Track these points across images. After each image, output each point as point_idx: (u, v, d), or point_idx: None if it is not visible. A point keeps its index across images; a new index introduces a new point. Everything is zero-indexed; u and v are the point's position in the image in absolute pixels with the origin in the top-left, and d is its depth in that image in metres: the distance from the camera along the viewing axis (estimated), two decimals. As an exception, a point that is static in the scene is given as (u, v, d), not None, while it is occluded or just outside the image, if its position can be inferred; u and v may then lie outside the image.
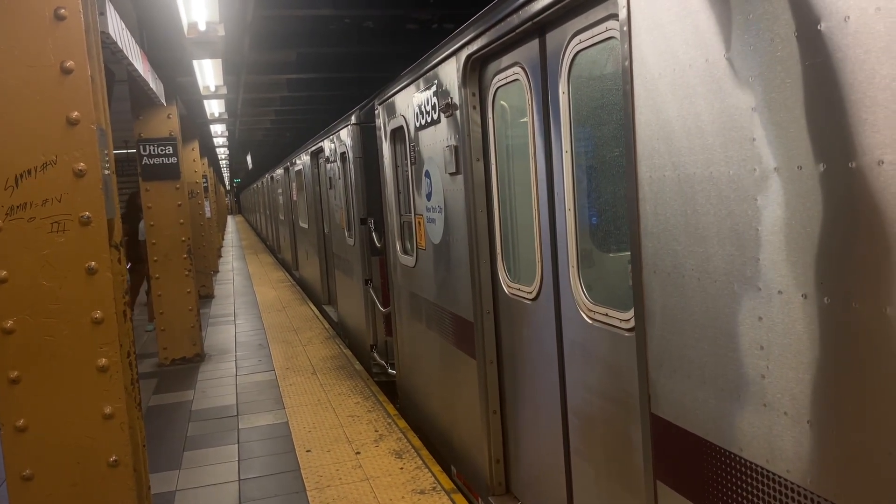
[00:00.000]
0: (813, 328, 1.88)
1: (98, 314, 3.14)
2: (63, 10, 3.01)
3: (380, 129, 6.72)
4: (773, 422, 2.03)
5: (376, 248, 7.96)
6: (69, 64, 3.03)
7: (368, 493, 4.96)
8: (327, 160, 10.40)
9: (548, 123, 3.58)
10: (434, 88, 4.92)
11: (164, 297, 9.04)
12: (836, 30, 1.74)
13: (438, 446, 5.75)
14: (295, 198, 16.18)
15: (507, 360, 4.35)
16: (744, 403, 2.14)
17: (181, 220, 9.18)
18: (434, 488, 4.96)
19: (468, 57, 4.22)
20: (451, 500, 4.78)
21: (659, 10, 2.41)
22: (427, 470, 5.28)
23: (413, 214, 5.84)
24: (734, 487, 2.22)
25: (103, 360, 3.16)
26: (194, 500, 5.11)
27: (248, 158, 29.97)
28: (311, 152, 12.09)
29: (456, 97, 4.50)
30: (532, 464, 4.17)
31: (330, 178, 10.29)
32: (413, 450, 5.69)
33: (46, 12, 3.00)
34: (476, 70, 4.32)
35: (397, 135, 6.17)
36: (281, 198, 19.81)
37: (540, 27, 3.50)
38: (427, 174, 5.29)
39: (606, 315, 3.13)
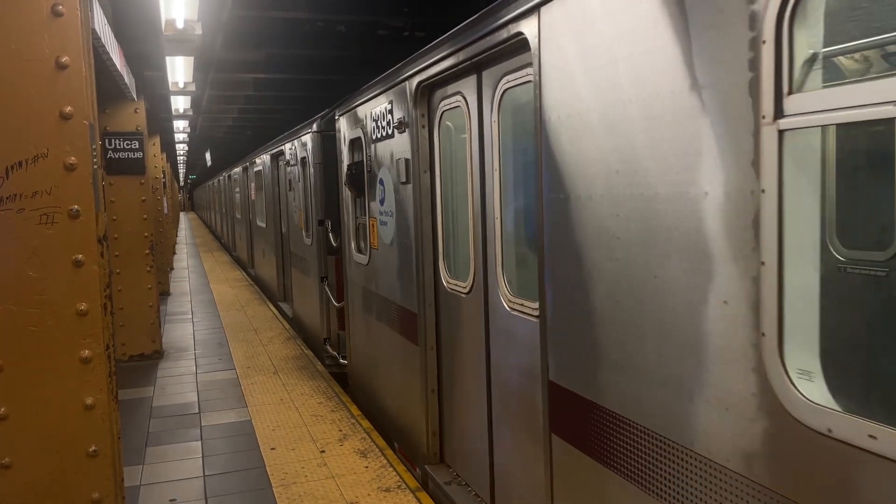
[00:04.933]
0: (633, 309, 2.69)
1: (83, 306, 3.19)
2: (60, 7, 3.06)
3: (339, 139, 7.27)
4: (622, 380, 2.77)
5: (332, 248, 8.48)
6: (64, 59, 3.08)
7: (334, 490, 5.06)
8: (288, 163, 10.84)
9: (482, 145, 4.20)
10: (390, 106, 5.51)
11: (124, 292, 8.96)
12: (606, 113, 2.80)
13: (384, 425, 6.32)
14: (253, 197, 16.45)
15: (445, 346, 4.99)
16: (605, 368, 2.87)
17: (144, 216, 9.12)
18: (399, 486, 5.08)
19: (419, 83, 4.84)
20: (416, 497, 4.91)
21: (560, 68, 3.08)
22: (392, 469, 5.39)
23: (367, 217, 6.42)
24: (602, 431, 2.92)
25: (86, 352, 3.20)
26: (159, 494, 5.13)
27: (208, 155, 29.58)
28: (272, 154, 12.43)
29: (408, 116, 5.10)
30: (462, 435, 4.81)
31: (290, 180, 10.72)
32: (378, 449, 5.80)
33: (44, 8, 3.04)
34: (426, 95, 4.95)
35: (355, 144, 6.71)
36: (238, 196, 19.99)
37: (478, 65, 4.14)
38: (381, 182, 5.86)
39: (522, 305, 3.79)
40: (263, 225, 14.53)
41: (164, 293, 14.99)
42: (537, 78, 3.21)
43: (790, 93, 1.98)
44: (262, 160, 13.93)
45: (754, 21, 2.03)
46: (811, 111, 1.91)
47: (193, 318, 12.30)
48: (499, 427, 4.22)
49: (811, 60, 2.00)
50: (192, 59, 7.83)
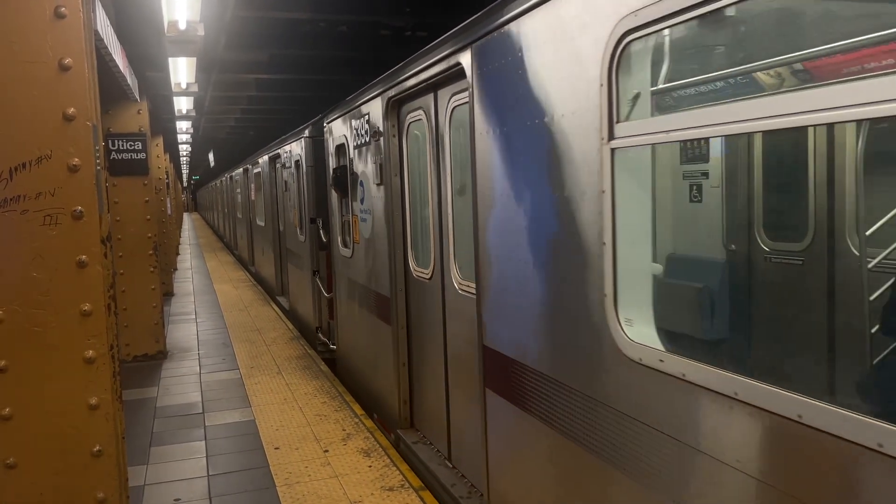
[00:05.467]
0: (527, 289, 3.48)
1: (87, 307, 3.20)
2: (63, 9, 3.07)
3: (326, 144, 8.05)
4: (526, 338, 3.51)
5: (323, 244, 9.14)
6: (67, 61, 3.10)
7: (338, 489, 5.07)
8: (283, 166, 11.61)
9: (438, 154, 4.97)
10: (367, 118, 6.25)
11: (128, 293, 8.99)
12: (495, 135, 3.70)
13: (366, 399, 7.12)
14: (253, 198, 17.03)
15: (414, 325, 5.76)
16: (516, 330, 3.60)
17: (148, 217, 9.14)
18: (402, 485, 5.09)
19: (389, 98, 5.58)
20: (420, 497, 4.92)
21: (485, 92, 3.82)
22: (395, 468, 5.41)
23: (350, 215, 7.16)
24: (517, 380, 3.60)
25: (91, 352, 3.22)
26: (164, 494, 5.15)
27: (211, 156, 29.62)
28: (270, 157, 13.16)
29: (381, 127, 5.82)
30: (427, 401, 5.59)
31: (286, 181, 11.52)
32: (381, 449, 5.81)
33: (47, 10, 3.06)
34: (395, 108, 5.68)
35: (340, 150, 7.45)
36: (239, 197, 20.61)
37: (433, 86, 4.90)
38: (361, 183, 6.61)
39: (467, 286, 4.55)
40: (262, 224, 15.14)
41: (168, 294, 15.02)
42: (471, 100, 3.96)
43: (618, 121, 2.69)
44: (261, 163, 14.45)
45: (595, 69, 2.78)
46: (632, 135, 2.63)
47: (197, 319, 12.33)
48: (454, 391, 5.00)
49: (634, 98, 2.71)
50: (194, 59, 7.85)
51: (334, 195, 7.68)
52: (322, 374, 8.24)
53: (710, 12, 2.18)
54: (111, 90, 8.20)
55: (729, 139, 4.80)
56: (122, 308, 9.04)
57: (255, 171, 15.85)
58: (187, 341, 10.48)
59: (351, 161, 6.90)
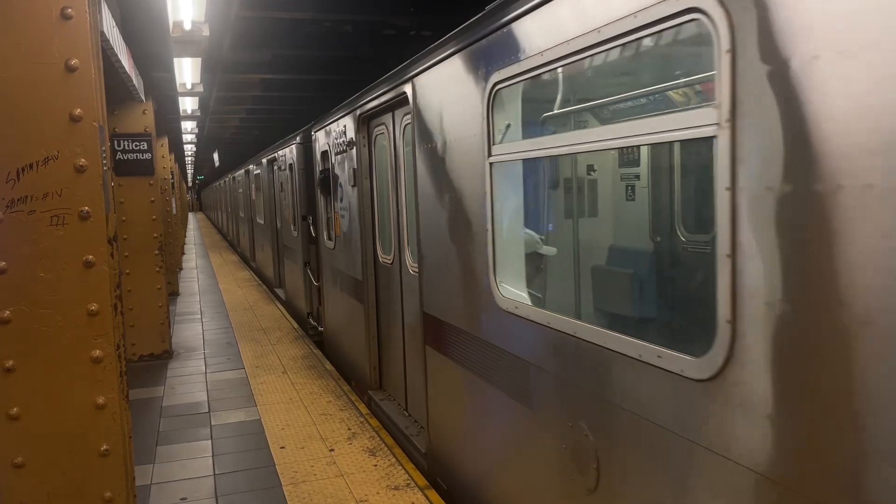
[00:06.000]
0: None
1: (94, 307, 3.22)
2: (70, 10, 3.09)
3: (314, 150, 9.11)
4: (447, 302, 4.68)
5: (313, 238, 10.16)
6: (74, 62, 3.11)
7: (344, 488, 5.08)
8: (279, 168, 12.73)
9: (396, 162, 6.09)
10: (344, 129, 7.36)
11: (133, 292, 9.01)
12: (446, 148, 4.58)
13: (346, 369, 8.29)
14: (254, 198, 18.09)
15: (381, 303, 6.88)
16: (442, 297, 4.76)
17: (153, 217, 9.16)
18: (408, 485, 5.10)
19: (360, 114, 6.64)
20: (425, 496, 4.92)
21: (422, 115, 4.91)
22: (401, 467, 5.41)
23: (333, 212, 8.26)
24: (444, 335, 4.75)
25: (97, 352, 3.23)
26: (170, 493, 5.16)
27: (216, 156, 29.66)
28: (268, 160, 14.34)
29: (354, 137, 6.97)
30: (391, 365, 6.77)
31: (281, 182, 12.63)
32: (386, 447, 5.82)
33: (53, 11, 3.07)
34: (366, 122, 6.77)
35: (324, 156, 8.55)
36: (242, 197, 21.73)
37: (391, 107, 6.00)
38: (340, 185, 7.72)
39: (414, 266, 5.50)
40: (262, 222, 16.37)
41: (174, 293, 15.05)
42: (413, 120, 5.06)
43: (493, 143, 3.82)
44: (261, 165, 15.44)
45: (481, 104, 3.89)
46: (500, 154, 3.77)
47: (202, 318, 12.36)
48: (409, 353, 6.11)
49: (503, 128, 3.81)
50: (199, 60, 7.86)
51: (320, 195, 8.77)
52: (327, 373, 8.25)
53: (544, 73, 3.37)
54: (117, 91, 8.22)
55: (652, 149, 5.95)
56: (128, 308, 9.05)
57: (256, 172, 16.81)
58: (193, 341, 10.51)
59: (332, 165, 7.98)
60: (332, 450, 5.82)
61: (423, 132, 4.87)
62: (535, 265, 5.39)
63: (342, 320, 8.30)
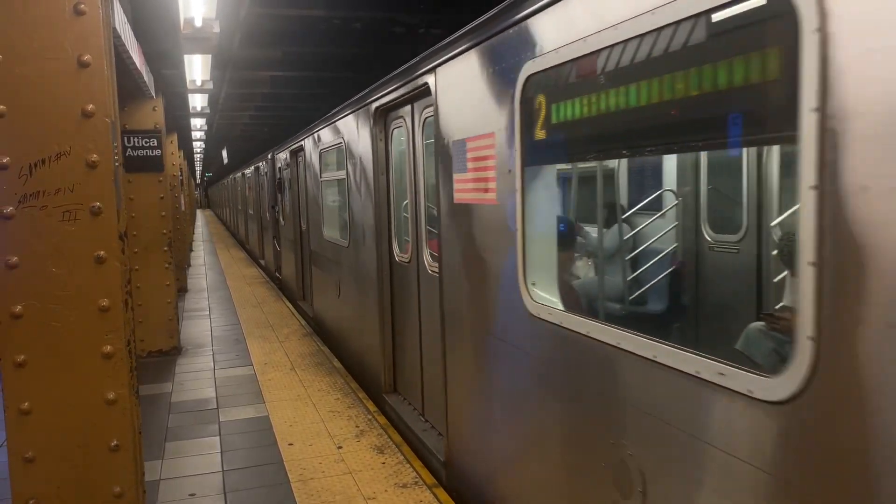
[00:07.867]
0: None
1: (105, 302, 3.22)
2: (83, 6, 3.09)
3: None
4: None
5: (277, 220, 11.84)
6: (86, 58, 3.11)
7: (352, 485, 5.08)
8: (281, 169, 13.67)
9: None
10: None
11: (142, 289, 9.04)
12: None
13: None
14: (247, 194, 19.63)
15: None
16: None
17: (163, 213, 9.19)
18: (416, 482, 5.09)
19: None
20: (433, 493, 4.91)
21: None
22: (408, 465, 5.41)
23: (282, 203, 9.24)
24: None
25: (108, 348, 3.24)
26: (179, 488, 5.17)
27: (224, 153, 29.73)
28: (272, 160, 15.25)
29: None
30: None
31: (287, 180, 13.40)
32: (394, 445, 5.82)
33: (67, 7, 3.07)
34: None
35: (280, 168, 9.36)
36: (250, 195, 22.23)
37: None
38: (285, 187, 8.37)
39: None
40: (252, 212, 18.63)
41: (182, 290, 15.09)
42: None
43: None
44: (268, 165, 16.30)
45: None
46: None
47: (211, 315, 12.39)
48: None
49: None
50: (209, 57, 7.85)
51: (277, 193, 10.52)
52: (335, 370, 8.25)
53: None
54: (127, 87, 8.24)
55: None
56: (138, 304, 9.07)
57: (265, 170, 17.53)
58: (201, 337, 10.53)
59: (282, 176, 9.24)
60: (339, 447, 5.82)
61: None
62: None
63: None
